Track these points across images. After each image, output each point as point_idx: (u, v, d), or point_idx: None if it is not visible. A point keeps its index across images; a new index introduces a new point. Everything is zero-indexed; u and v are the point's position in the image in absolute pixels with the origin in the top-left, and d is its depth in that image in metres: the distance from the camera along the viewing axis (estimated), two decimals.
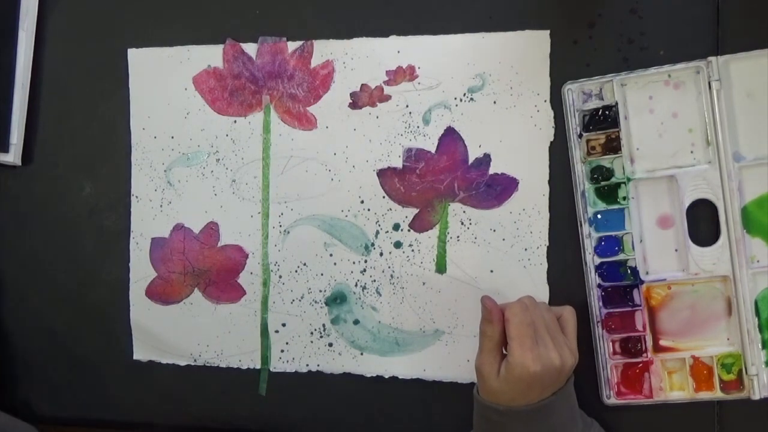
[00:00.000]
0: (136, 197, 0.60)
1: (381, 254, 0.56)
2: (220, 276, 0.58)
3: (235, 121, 0.58)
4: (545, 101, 0.53)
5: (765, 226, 0.49)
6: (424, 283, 0.55)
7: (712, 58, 0.49)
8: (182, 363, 0.59)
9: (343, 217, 0.56)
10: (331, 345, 0.57)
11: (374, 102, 0.55)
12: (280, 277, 0.57)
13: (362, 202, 0.56)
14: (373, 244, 0.56)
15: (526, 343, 0.45)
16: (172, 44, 0.59)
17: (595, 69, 0.52)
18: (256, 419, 0.58)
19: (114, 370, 0.61)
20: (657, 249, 0.51)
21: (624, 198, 0.51)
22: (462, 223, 0.54)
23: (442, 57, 0.54)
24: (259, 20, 0.57)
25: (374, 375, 0.56)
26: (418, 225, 0.55)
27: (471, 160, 0.54)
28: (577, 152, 0.51)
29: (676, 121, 0.50)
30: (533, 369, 0.44)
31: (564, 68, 0.52)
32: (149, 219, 0.60)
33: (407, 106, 0.55)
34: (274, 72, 0.57)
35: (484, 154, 0.54)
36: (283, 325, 0.57)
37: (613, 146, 0.51)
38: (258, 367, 0.58)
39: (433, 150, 0.55)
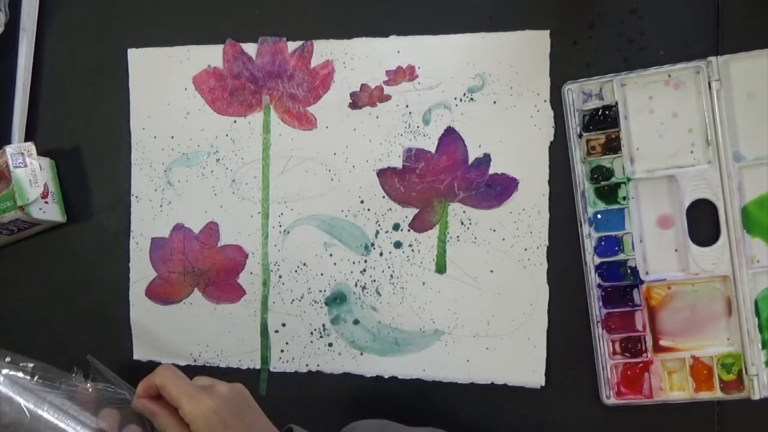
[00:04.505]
0: (136, 197, 0.60)
1: (381, 254, 0.56)
2: (220, 276, 0.58)
3: (235, 121, 0.58)
4: (545, 101, 0.53)
5: (765, 226, 0.49)
6: (423, 283, 0.55)
7: (712, 58, 0.49)
8: (182, 363, 0.59)
9: (343, 217, 0.56)
10: (330, 345, 0.57)
11: (374, 102, 0.55)
12: (280, 277, 0.57)
13: (362, 202, 0.56)
14: (373, 244, 0.56)
15: (190, 391, 0.41)
16: (172, 44, 0.59)
17: (595, 69, 0.52)
18: None
19: (114, 370, 0.60)
20: (657, 249, 0.51)
21: (624, 198, 0.51)
22: (462, 223, 0.54)
23: (442, 57, 0.54)
24: (259, 20, 0.57)
25: (374, 375, 0.56)
26: (418, 225, 0.55)
27: (471, 160, 0.54)
28: (577, 152, 0.51)
29: (676, 121, 0.50)
30: (211, 403, 0.41)
31: (564, 68, 0.52)
32: (149, 219, 0.60)
33: (407, 106, 0.55)
34: (274, 72, 0.57)
35: (484, 154, 0.54)
36: (283, 325, 0.57)
37: (613, 146, 0.51)
38: (258, 367, 0.58)
39: (433, 150, 0.55)
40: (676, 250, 0.51)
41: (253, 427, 0.42)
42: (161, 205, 0.60)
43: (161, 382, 0.42)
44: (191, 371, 0.59)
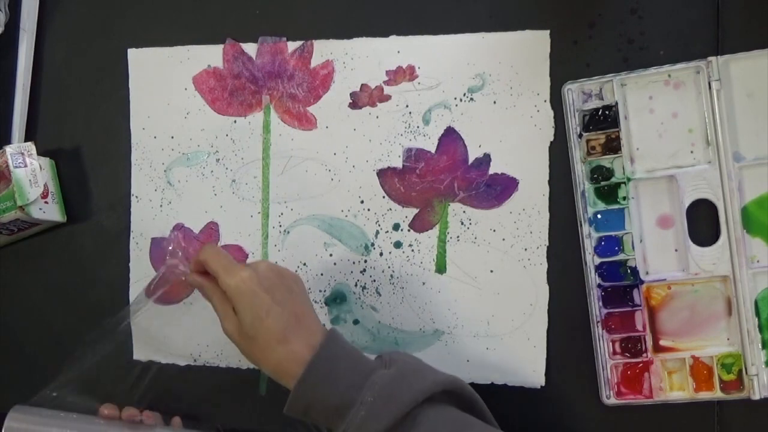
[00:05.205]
0: (136, 197, 0.60)
1: (381, 254, 0.56)
2: None
3: (235, 121, 0.58)
4: (545, 101, 0.53)
5: (765, 226, 0.49)
6: (423, 283, 0.55)
7: (712, 58, 0.49)
8: (182, 363, 0.59)
9: (343, 217, 0.56)
10: None
11: (374, 102, 0.55)
12: None
13: (362, 202, 0.56)
14: (373, 244, 0.56)
15: (227, 265, 0.45)
16: (172, 44, 0.59)
17: (595, 69, 0.52)
18: (256, 419, 0.58)
19: (114, 370, 0.61)
20: (657, 249, 0.51)
21: (624, 198, 0.51)
22: (462, 223, 0.54)
23: (442, 57, 0.54)
24: (259, 20, 0.57)
25: None
26: (418, 225, 0.55)
27: (471, 160, 0.54)
28: (577, 152, 0.51)
29: (676, 121, 0.50)
30: (244, 275, 0.44)
31: (564, 68, 0.52)
32: (149, 219, 0.60)
33: (407, 106, 0.55)
34: (274, 72, 0.57)
35: (484, 154, 0.54)
36: None
37: (613, 146, 0.51)
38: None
39: (433, 150, 0.55)
40: (676, 250, 0.51)
41: (283, 304, 0.45)
42: (161, 205, 0.60)
43: (204, 257, 0.47)
44: (191, 371, 0.59)
